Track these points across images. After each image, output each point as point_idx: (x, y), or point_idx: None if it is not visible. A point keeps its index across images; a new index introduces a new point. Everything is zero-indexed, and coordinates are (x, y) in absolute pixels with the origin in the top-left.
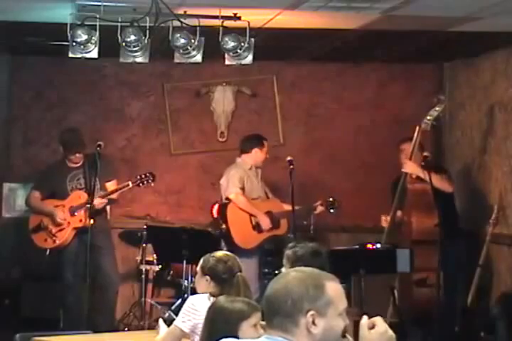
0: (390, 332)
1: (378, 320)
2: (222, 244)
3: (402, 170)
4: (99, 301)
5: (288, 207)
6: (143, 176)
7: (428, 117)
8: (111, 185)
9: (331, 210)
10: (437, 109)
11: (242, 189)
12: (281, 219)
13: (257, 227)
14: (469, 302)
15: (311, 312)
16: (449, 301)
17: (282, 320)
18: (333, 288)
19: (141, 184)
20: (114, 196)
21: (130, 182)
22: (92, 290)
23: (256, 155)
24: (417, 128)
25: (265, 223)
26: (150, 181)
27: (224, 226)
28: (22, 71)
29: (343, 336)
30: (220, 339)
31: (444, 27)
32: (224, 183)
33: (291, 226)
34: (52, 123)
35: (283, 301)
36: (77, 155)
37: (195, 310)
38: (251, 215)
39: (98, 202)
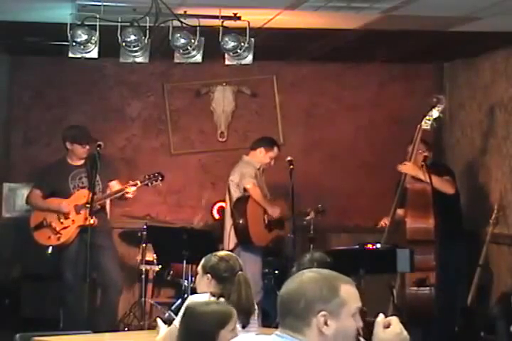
0: (405, 333)
1: (394, 319)
2: (226, 243)
3: (398, 169)
4: (101, 301)
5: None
6: (152, 176)
7: (428, 117)
8: (114, 185)
9: (319, 217)
10: (437, 109)
11: None
12: (285, 221)
13: (268, 225)
14: (469, 302)
15: (323, 313)
16: (449, 301)
17: (294, 320)
18: (348, 289)
19: (149, 184)
20: (118, 195)
21: (138, 182)
22: (94, 290)
23: (260, 155)
24: (418, 128)
25: (275, 213)
26: (159, 181)
27: (241, 220)
28: (22, 71)
29: (357, 339)
30: None
31: (444, 27)
32: (236, 178)
33: (291, 226)
34: (52, 123)
35: (296, 301)
36: (87, 147)
37: None
38: (264, 213)
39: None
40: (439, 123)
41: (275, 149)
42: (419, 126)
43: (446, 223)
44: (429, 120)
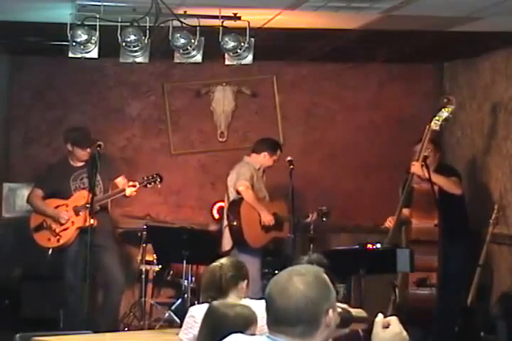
0: (405, 333)
1: (394, 319)
2: (223, 244)
3: (411, 171)
4: (103, 301)
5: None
6: (150, 177)
7: (437, 117)
8: (120, 181)
9: (323, 219)
10: (447, 109)
11: (252, 186)
12: (284, 223)
13: (264, 227)
14: (469, 302)
15: (331, 310)
16: (449, 301)
17: (306, 327)
18: (328, 279)
19: (148, 185)
20: (127, 193)
21: (137, 183)
22: (95, 290)
23: (264, 159)
24: (427, 128)
25: (267, 219)
26: (157, 182)
27: (235, 222)
28: (22, 71)
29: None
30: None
31: (444, 27)
32: (233, 179)
33: (291, 226)
34: (52, 123)
35: (305, 310)
36: (89, 150)
37: (195, 321)
38: (259, 214)
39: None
40: (447, 124)
41: (278, 152)
42: (428, 126)
43: (450, 223)
44: (438, 120)
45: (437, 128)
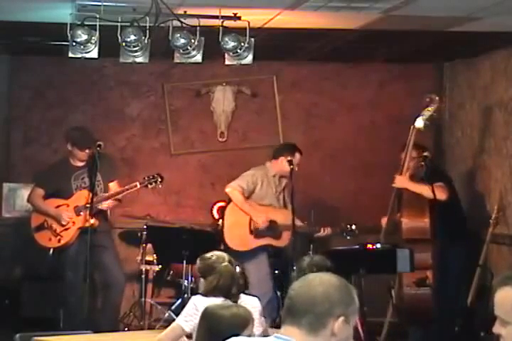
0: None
1: None
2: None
3: (393, 185)
4: (104, 301)
5: (298, 223)
6: (151, 177)
7: (421, 117)
8: (113, 186)
9: (348, 237)
10: (430, 109)
11: (252, 191)
12: (284, 232)
13: (254, 232)
14: (469, 302)
15: (343, 317)
16: (449, 301)
17: (313, 320)
18: (356, 298)
19: (149, 185)
20: (119, 196)
21: (138, 183)
22: (97, 290)
23: (282, 164)
24: (411, 128)
25: (259, 221)
26: (158, 182)
27: (219, 223)
28: (22, 71)
29: None
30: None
31: (444, 27)
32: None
33: (291, 226)
34: (52, 123)
35: (320, 303)
36: (87, 151)
37: (197, 310)
38: (251, 219)
39: (106, 204)
40: (433, 123)
41: (297, 156)
42: (412, 126)
43: (446, 223)
44: (422, 120)
45: (421, 127)
